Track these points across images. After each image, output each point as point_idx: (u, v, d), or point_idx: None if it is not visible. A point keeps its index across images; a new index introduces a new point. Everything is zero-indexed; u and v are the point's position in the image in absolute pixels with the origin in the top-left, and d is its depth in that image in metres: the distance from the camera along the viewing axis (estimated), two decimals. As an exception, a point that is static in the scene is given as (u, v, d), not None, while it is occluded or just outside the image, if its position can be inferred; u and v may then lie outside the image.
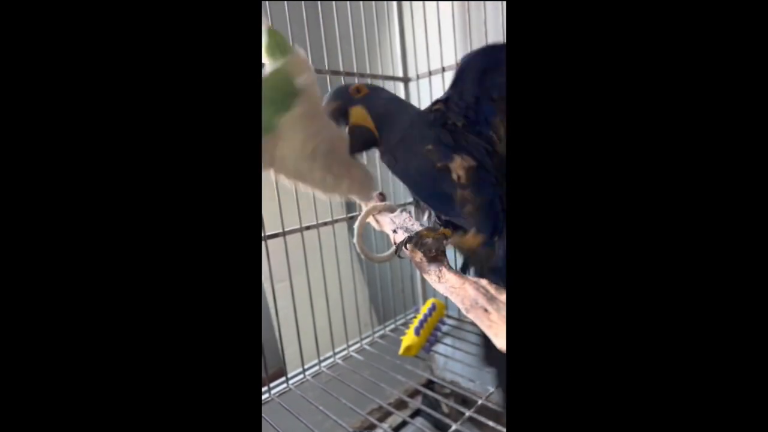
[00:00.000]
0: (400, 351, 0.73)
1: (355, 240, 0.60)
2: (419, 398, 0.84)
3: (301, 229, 0.68)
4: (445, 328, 0.80)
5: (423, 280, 0.91)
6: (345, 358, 0.74)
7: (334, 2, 0.70)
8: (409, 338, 0.73)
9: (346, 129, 0.42)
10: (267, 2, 0.61)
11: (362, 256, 0.63)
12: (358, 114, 0.42)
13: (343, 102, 0.42)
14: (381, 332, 0.83)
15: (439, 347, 0.78)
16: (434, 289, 0.40)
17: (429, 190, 0.44)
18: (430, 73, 0.78)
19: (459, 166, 0.39)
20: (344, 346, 0.77)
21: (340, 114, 0.42)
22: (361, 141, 0.42)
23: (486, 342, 0.49)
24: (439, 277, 0.39)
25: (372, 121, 0.42)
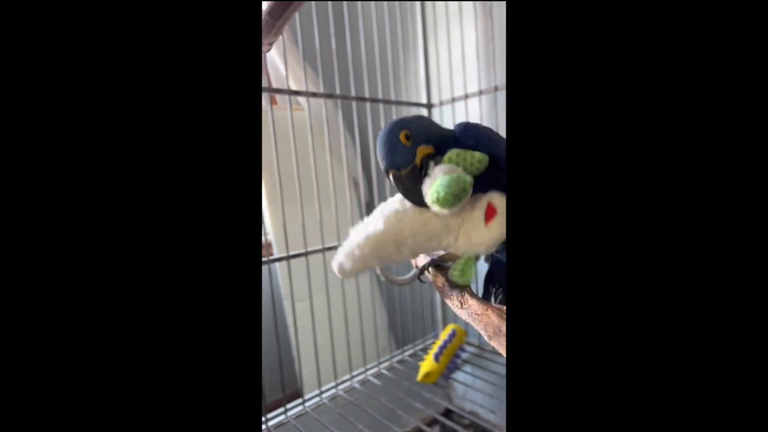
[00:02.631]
0: (419, 377, 0.71)
1: (376, 262, 0.61)
2: (437, 428, 0.81)
3: (323, 250, 0.68)
4: (465, 355, 0.79)
5: (443, 305, 0.90)
6: (362, 382, 0.73)
7: (361, 30, 0.72)
8: (428, 364, 0.72)
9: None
10: (298, 30, 0.64)
11: (382, 279, 0.63)
12: (425, 151, 0.40)
13: (411, 157, 0.39)
14: (399, 357, 0.81)
15: (459, 375, 0.76)
16: (454, 315, 0.39)
17: None
18: (453, 100, 0.80)
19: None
20: (362, 369, 0.76)
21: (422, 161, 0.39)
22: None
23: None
24: (461, 303, 0.38)
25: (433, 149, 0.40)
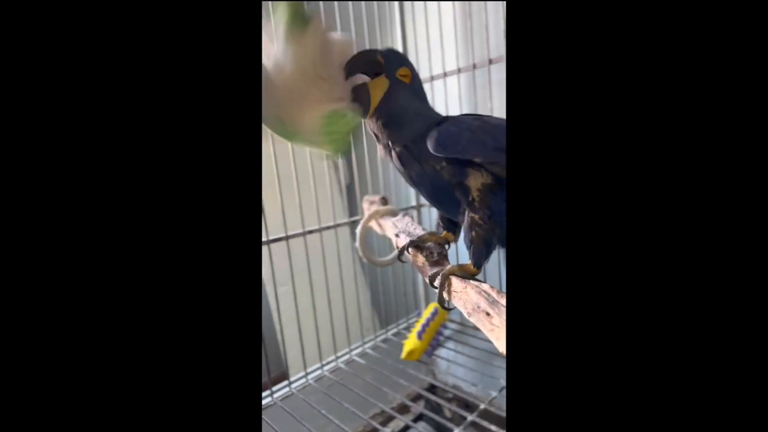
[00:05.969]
0: (403, 355, 0.72)
1: (357, 244, 0.61)
2: (421, 402, 0.83)
3: (304, 233, 0.68)
4: (447, 332, 0.80)
5: (425, 284, 0.91)
6: (347, 362, 0.74)
7: (336, 3, 0.70)
8: (411, 342, 0.73)
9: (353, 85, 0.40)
10: (269, 2, 0.61)
11: (364, 260, 0.63)
12: (379, 84, 0.40)
13: (388, 67, 0.40)
14: (383, 336, 0.82)
15: (442, 351, 0.78)
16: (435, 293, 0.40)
17: (440, 198, 0.42)
18: (432, 78, 0.78)
19: (475, 184, 0.37)
20: (347, 349, 0.77)
21: (370, 68, 0.40)
22: (355, 96, 0.40)
23: None
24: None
25: (381, 100, 0.40)
